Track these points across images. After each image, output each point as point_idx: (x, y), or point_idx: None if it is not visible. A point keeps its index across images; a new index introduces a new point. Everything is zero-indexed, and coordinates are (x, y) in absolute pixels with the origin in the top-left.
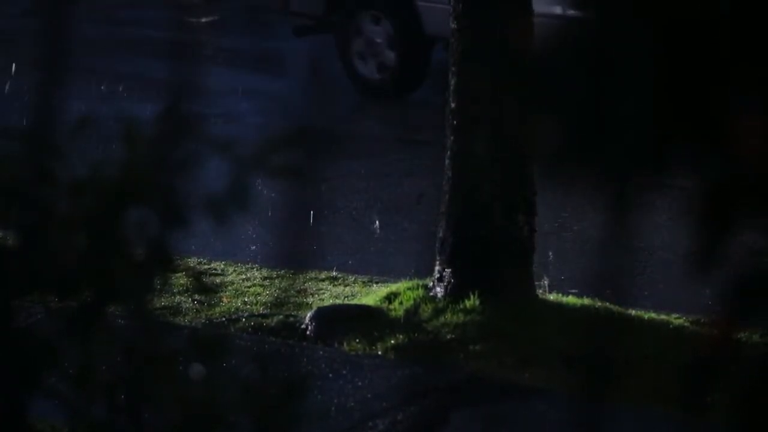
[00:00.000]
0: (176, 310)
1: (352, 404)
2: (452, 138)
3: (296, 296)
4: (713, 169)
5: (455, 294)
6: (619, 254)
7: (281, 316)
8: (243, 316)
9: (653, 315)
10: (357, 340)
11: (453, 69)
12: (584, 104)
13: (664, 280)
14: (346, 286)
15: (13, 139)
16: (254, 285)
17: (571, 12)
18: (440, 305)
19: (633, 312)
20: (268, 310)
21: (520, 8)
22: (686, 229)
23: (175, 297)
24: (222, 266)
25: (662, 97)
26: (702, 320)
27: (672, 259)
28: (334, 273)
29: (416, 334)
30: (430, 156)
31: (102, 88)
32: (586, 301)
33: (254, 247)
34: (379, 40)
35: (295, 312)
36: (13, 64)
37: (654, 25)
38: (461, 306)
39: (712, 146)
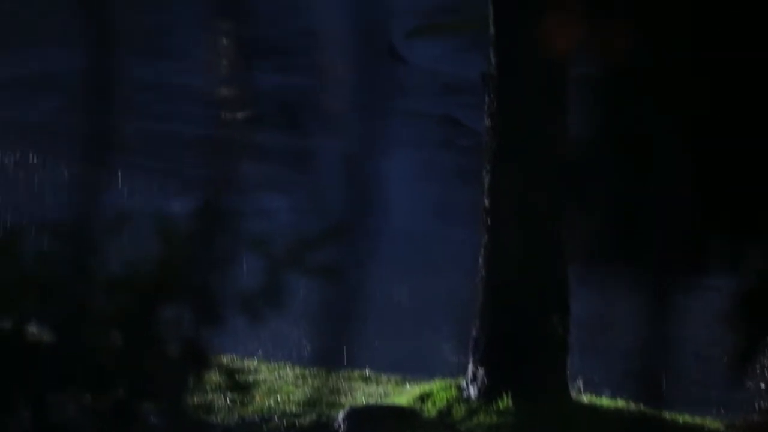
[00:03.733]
0: (209, 407)
1: None
2: (486, 236)
3: (329, 395)
4: (751, 270)
5: (488, 394)
6: (655, 354)
7: (314, 416)
8: (276, 415)
9: (688, 418)
10: None
11: (487, 167)
12: (621, 203)
13: (700, 381)
14: (378, 385)
15: (50, 236)
16: (287, 383)
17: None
18: (473, 406)
19: (668, 414)
20: (301, 409)
21: (556, 107)
22: (723, 330)
23: (208, 394)
24: (255, 364)
25: (700, 199)
26: (738, 423)
27: (707, 360)
28: (366, 372)
29: None
30: (464, 253)
31: (138, 183)
32: (621, 402)
33: (287, 345)
34: None
35: (328, 411)
36: (49, 159)
37: (692, 129)
38: (495, 407)
39: (750, 247)
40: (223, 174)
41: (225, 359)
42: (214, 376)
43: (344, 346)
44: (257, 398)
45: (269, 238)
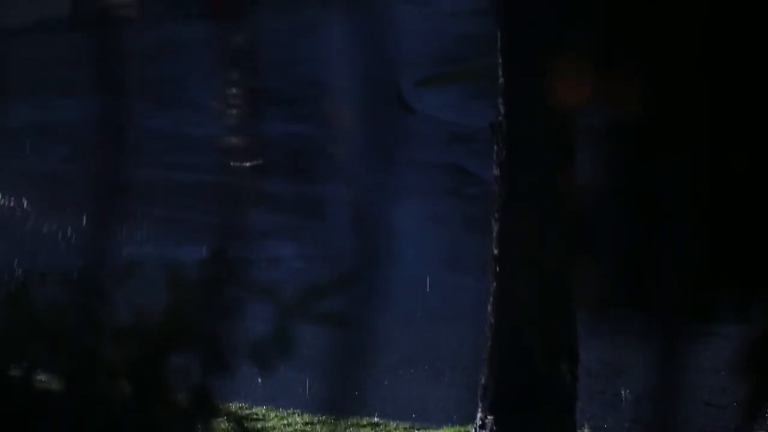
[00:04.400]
0: None
1: None
2: (495, 283)
3: None
4: (761, 318)
5: None
6: (663, 402)
7: None
8: None
9: None
10: None
11: (495, 215)
12: (629, 251)
13: (708, 429)
14: None
15: (59, 285)
16: (296, 431)
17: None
18: None
19: None
20: None
21: (564, 154)
22: (732, 377)
23: None
24: (264, 411)
25: (709, 246)
26: None
27: (716, 408)
28: (375, 419)
29: None
30: (473, 300)
31: (147, 231)
32: None
33: (296, 392)
34: None
35: None
36: (59, 208)
37: (701, 180)
38: None
39: (759, 295)
40: (233, 222)
41: (234, 407)
42: (222, 424)
43: (353, 394)
44: None
45: (278, 286)
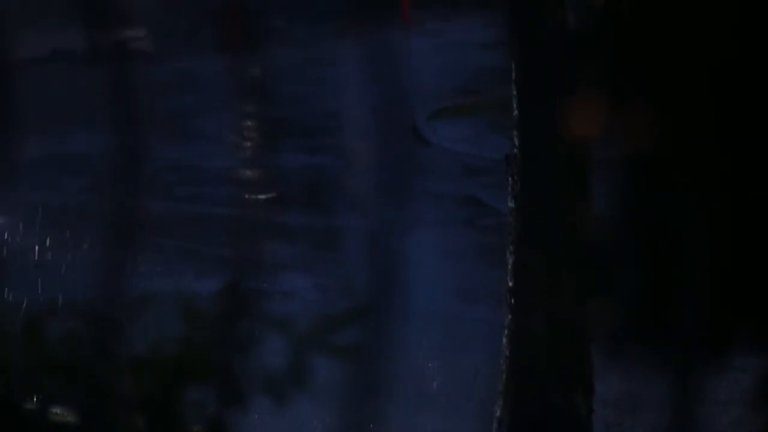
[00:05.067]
0: None
1: None
2: (510, 315)
3: None
4: None
5: None
6: None
7: None
8: None
9: None
10: None
11: (510, 248)
12: (645, 284)
13: None
14: None
15: (74, 317)
16: None
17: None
18: None
19: None
20: None
21: (579, 186)
22: (749, 411)
23: None
24: None
25: (726, 279)
26: None
27: None
28: None
29: None
30: (488, 332)
31: (163, 264)
32: None
33: (311, 425)
34: None
35: None
36: (72, 241)
37: (716, 214)
38: None
39: None
40: (247, 254)
41: None
42: None
43: (368, 426)
44: None
45: (293, 319)
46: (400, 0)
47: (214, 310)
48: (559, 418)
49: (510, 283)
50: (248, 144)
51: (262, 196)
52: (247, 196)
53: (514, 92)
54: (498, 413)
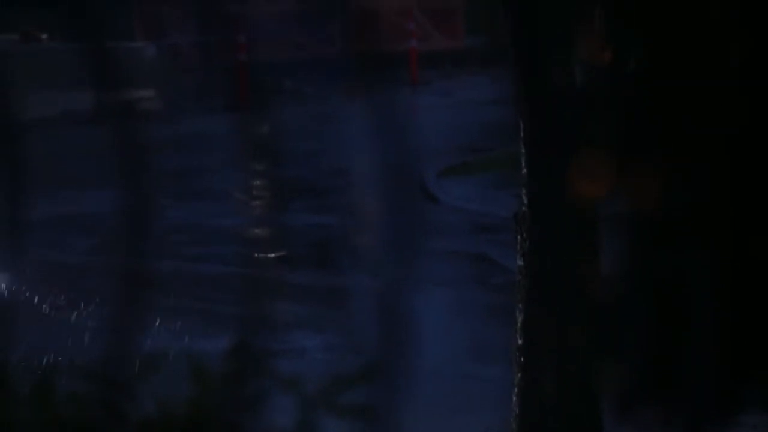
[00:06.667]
0: None
1: None
2: (519, 374)
3: None
4: None
5: None
6: None
7: None
8: None
9: None
10: None
11: (519, 306)
12: (653, 343)
13: None
14: None
15: (82, 377)
16: None
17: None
18: None
19: None
20: None
21: (588, 245)
22: None
23: None
24: None
25: (735, 337)
26: None
27: None
28: None
29: None
30: (498, 391)
31: (171, 323)
32: None
33: None
34: None
35: None
36: (80, 300)
37: (724, 270)
38: None
39: None
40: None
41: None
42: None
43: None
44: None
45: (302, 378)
46: (409, 59)
47: (223, 370)
48: None
49: (519, 341)
50: (257, 203)
51: (271, 255)
52: (256, 255)
53: (523, 149)
54: None
